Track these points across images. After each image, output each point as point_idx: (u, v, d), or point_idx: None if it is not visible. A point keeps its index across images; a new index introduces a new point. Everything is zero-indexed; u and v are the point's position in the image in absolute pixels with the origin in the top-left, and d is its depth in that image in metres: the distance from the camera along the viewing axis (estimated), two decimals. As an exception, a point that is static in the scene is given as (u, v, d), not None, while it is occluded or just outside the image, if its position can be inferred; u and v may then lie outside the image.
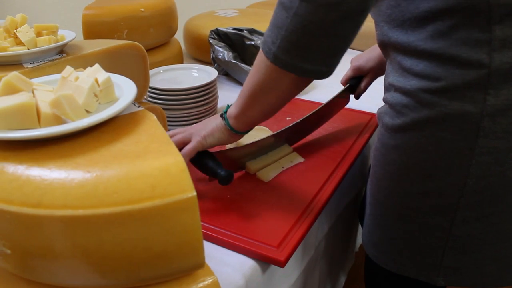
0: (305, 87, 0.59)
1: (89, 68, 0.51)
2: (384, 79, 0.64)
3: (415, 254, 0.64)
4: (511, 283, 0.61)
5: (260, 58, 0.57)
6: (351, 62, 0.92)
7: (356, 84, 0.92)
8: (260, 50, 0.57)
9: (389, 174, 0.63)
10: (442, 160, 0.56)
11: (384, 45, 0.61)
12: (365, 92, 0.92)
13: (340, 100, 0.92)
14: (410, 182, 0.60)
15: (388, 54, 0.62)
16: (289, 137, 0.84)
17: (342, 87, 0.92)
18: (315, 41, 0.51)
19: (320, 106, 0.86)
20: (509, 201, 0.56)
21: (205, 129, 0.69)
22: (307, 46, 0.52)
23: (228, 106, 0.67)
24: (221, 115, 0.67)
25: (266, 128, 0.90)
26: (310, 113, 0.84)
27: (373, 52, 0.89)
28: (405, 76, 0.57)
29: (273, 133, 0.80)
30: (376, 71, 0.90)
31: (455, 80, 0.52)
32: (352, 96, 0.93)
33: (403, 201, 0.62)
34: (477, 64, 0.51)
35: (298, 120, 0.82)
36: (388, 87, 0.62)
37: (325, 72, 0.55)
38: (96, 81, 0.48)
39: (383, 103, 0.64)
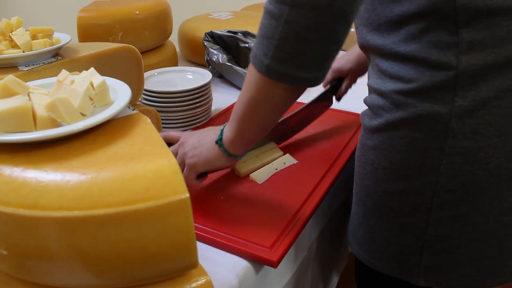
0: (300, 95, 0.57)
1: (84, 72, 0.52)
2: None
3: (396, 253, 0.65)
4: (490, 285, 0.61)
5: (250, 75, 0.55)
6: None
7: (337, 85, 0.93)
8: (250, 66, 0.55)
9: (368, 174, 0.64)
10: (415, 160, 0.58)
11: (364, 48, 0.63)
12: (358, 95, 0.93)
13: (322, 102, 0.94)
14: (387, 182, 0.62)
15: (368, 57, 0.63)
16: (273, 136, 0.85)
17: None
18: (309, 47, 0.50)
19: (301, 108, 0.88)
20: (481, 200, 0.57)
21: (199, 156, 0.66)
22: (301, 53, 0.50)
23: (221, 134, 0.64)
24: (217, 142, 0.64)
25: None
26: (290, 114, 0.86)
27: (352, 53, 0.91)
28: (382, 78, 0.59)
29: None
30: (354, 72, 0.91)
31: (426, 82, 0.54)
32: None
33: (383, 200, 0.63)
34: (445, 66, 0.53)
35: (279, 121, 0.83)
36: (369, 89, 0.64)
37: (320, 78, 0.54)
38: (91, 84, 0.48)
39: None
